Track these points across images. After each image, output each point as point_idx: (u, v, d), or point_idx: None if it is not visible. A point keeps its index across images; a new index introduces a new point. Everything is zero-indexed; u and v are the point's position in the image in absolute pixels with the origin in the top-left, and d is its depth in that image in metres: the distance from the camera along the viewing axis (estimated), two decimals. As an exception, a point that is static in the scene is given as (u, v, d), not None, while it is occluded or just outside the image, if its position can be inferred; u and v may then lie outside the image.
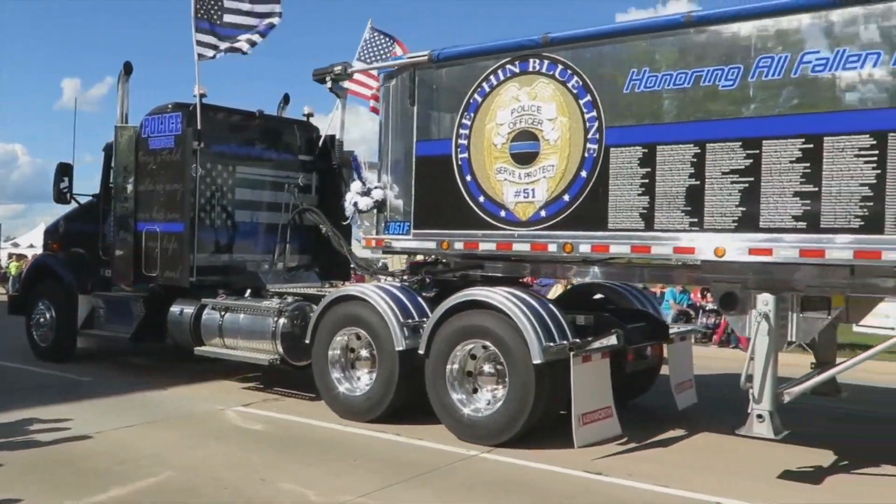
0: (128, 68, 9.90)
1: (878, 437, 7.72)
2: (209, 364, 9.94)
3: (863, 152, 5.58)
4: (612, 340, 7.21)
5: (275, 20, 9.72)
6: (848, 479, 6.30)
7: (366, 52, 10.80)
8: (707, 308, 15.24)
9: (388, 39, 10.59)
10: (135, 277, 9.95)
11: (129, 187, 9.96)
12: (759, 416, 6.15)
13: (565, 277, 8.98)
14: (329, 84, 8.41)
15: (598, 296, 8.99)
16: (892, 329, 12.07)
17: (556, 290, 12.92)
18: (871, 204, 5.56)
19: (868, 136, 5.56)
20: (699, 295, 15.52)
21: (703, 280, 6.98)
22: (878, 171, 5.53)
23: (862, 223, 5.60)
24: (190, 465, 6.29)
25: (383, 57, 10.06)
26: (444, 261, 8.28)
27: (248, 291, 9.55)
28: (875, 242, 5.56)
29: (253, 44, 9.54)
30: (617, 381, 7.48)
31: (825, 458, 6.80)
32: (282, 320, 8.79)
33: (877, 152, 5.53)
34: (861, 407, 8.77)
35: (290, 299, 9.13)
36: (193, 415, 8.10)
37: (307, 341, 8.34)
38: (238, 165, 10.06)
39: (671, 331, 8.34)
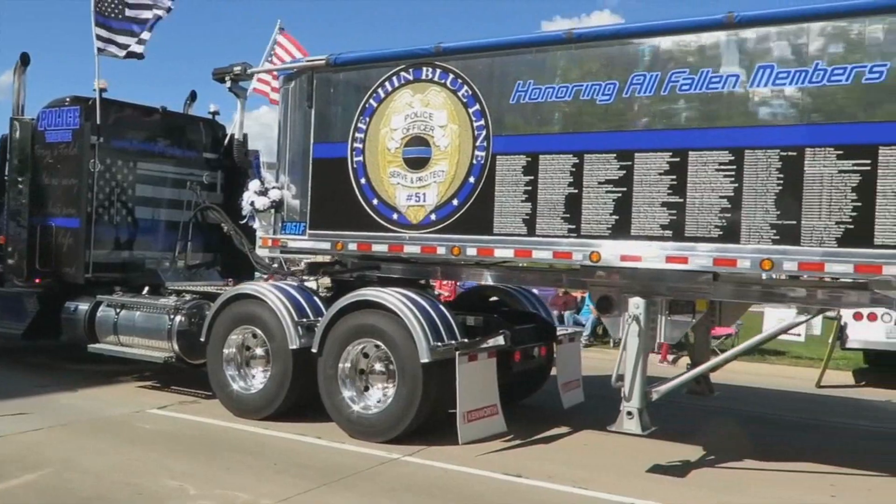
0: (24, 59, 9.71)
1: (746, 434, 8.21)
2: (119, 364, 9.72)
3: (722, 167, 5.99)
4: (499, 341, 7.49)
5: (161, 13, 9.68)
6: (715, 472, 6.71)
7: (274, 53, 10.90)
8: None
9: (291, 42, 10.71)
10: (28, 273, 9.76)
11: (25, 181, 9.77)
12: (629, 413, 6.52)
13: (467, 279, 9.27)
14: (228, 84, 8.46)
15: (493, 298, 9.31)
16: (799, 335, 12.69)
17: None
18: (729, 215, 5.97)
19: (727, 151, 5.98)
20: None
21: (583, 284, 7.31)
22: (736, 185, 5.95)
23: (721, 233, 6.01)
24: (106, 471, 6.09)
25: (289, 58, 10.16)
26: (342, 261, 8.43)
27: (147, 289, 9.49)
28: (732, 251, 5.97)
29: (143, 42, 9.56)
30: (506, 380, 7.79)
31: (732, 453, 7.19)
32: (178, 318, 8.78)
33: (735, 167, 5.95)
34: (731, 405, 9.30)
35: (187, 297, 9.13)
36: (108, 418, 7.88)
37: (202, 339, 8.36)
38: (139, 161, 9.99)
39: (559, 332, 8.67)
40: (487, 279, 8.13)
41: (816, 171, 5.68)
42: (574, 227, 6.56)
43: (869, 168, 5.51)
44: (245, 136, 9.94)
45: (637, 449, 7.10)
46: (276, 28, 11.14)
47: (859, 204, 5.54)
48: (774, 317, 12.53)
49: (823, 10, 5.71)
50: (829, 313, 8.99)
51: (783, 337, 12.96)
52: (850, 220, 5.57)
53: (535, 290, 9.51)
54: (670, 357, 13.02)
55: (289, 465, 6.44)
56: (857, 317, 11.34)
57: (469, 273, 8.27)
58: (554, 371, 8.83)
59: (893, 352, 11.36)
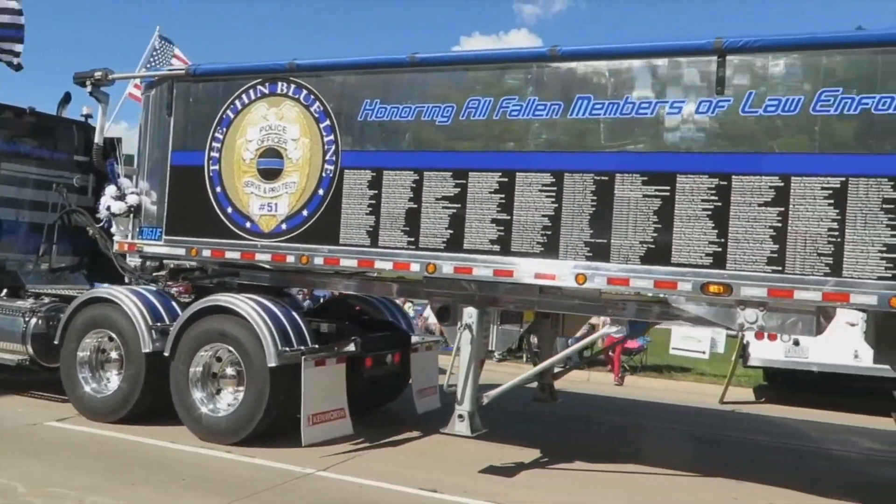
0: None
1: (581, 438, 8.77)
2: (7, 372, 9.29)
3: (545, 188, 6.49)
4: (349, 347, 7.81)
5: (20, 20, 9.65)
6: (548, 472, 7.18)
7: (154, 59, 10.95)
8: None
9: (171, 47, 10.80)
10: None
11: None
12: (460, 416, 6.92)
13: (327, 289, 9.55)
14: (89, 89, 8.51)
15: (358, 307, 9.60)
16: (704, 353, 13.33)
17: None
18: (550, 233, 6.47)
19: (549, 174, 6.48)
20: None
21: (427, 294, 7.68)
22: (556, 205, 6.45)
23: (542, 249, 6.49)
24: (2, 488, 5.76)
25: (168, 64, 10.25)
26: (203, 268, 8.59)
27: (5, 291, 9.39)
28: (552, 266, 6.46)
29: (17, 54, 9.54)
30: (358, 385, 8.11)
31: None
32: (33, 321, 8.74)
33: (555, 188, 6.45)
34: (641, 421, 9.90)
35: (46, 300, 9.09)
36: (3, 430, 7.55)
37: (56, 342, 8.37)
38: (3, 162, 9.86)
39: (414, 340, 9.04)
40: (348, 289, 8.44)
41: (624, 195, 6.23)
42: (413, 239, 6.94)
43: (668, 193, 6.09)
44: (117, 140, 9.94)
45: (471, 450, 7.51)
46: (155, 35, 11.19)
47: (659, 225, 6.11)
48: (680, 333, 13.28)
49: (637, 49, 6.29)
50: (731, 332, 9.28)
51: (689, 354, 13.68)
52: (652, 239, 6.13)
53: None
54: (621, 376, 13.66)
55: (197, 480, 6.27)
56: (759, 336, 11.99)
57: (329, 283, 8.55)
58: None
59: (791, 370, 11.94)
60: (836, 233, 5.62)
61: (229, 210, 7.71)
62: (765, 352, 11.76)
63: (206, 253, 7.84)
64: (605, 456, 7.66)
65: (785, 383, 12.71)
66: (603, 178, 6.31)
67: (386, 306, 9.40)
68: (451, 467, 7.04)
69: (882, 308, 5.55)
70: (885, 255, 5.50)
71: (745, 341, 11.81)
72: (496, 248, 6.64)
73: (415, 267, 6.94)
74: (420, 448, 7.85)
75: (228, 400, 7.66)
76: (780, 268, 5.77)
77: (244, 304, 7.53)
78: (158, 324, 7.93)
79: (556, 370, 8.97)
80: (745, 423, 10.29)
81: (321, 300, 14.76)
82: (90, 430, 7.72)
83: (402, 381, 9.36)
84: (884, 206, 5.51)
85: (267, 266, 7.88)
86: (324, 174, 7.30)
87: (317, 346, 7.59)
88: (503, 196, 6.62)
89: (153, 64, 11.05)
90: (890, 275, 5.48)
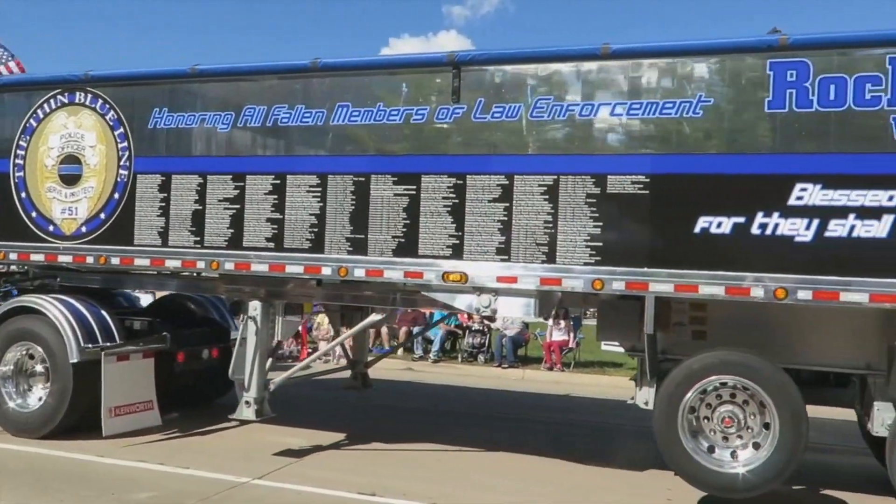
0: None
1: (394, 424, 9.34)
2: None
3: (311, 189, 7.06)
4: (158, 342, 8.25)
5: None
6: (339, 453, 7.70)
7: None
8: (473, 328, 16.01)
9: (8, 55, 11.02)
10: None
11: None
12: (247, 403, 7.44)
13: (158, 288, 9.92)
14: None
15: (191, 305, 10.01)
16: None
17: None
18: (317, 230, 7.04)
19: (315, 176, 7.05)
20: (466, 316, 16.07)
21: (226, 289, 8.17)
22: (322, 204, 7.02)
23: (311, 245, 7.06)
24: None
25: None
26: (24, 271, 8.93)
27: None
28: (319, 260, 7.03)
29: None
30: (172, 379, 8.55)
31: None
32: None
33: (321, 189, 7.03)
34: (384, 401, 10.31)
35: None
36: None
37: None
38: None
39: (233, 336, 9.49)
40: (176, 288, 8.86)
41: (378, 194, 6.84)
42: (199, 239, 7.43)
43: (415, 192, 6.72)
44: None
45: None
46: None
47: (408, 221, 6.74)
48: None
49: (384, 62, 6.93)
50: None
51: (621, 349, 13.83)
52: (402, 234, 6.76)
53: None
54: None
55: (129, 494, 6.11)
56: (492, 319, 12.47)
57: (159, 283, 8.92)
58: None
59: None
60: (551, 225, 6.33)
61: (34, 214, 8.08)
62: None
63: (13, 256, 8.19)
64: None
65: None
66: (360, 179, 6.91)
67: (213, 304, 9.83)
68: (389, 470, 7.04)
69: (587, 290, 6.27)
70: (589, 243, 6.22)
71: None
72: (271, 245, 7.18)
73: (200, 264, 7.44)
74: (357, 452, 7.76)
75: (39, 395, 8.00)
76: (506, 257, 6.46)
77: (49, 304, 7.91)
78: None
79: (369, 359, 9.56)
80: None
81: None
82: (13, 447, 7.48)
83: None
84: (587, 200, 6.23)
85: (70, 267, 8.24)
86: (119, 179, 7.74)
87: (121, 342, 8.00)
88: (276, 197, 7.17)
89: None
90: (593, 261, 6.21)
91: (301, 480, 6.59)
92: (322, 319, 14.83)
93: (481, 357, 15.63)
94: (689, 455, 6.02)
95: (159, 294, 10.33)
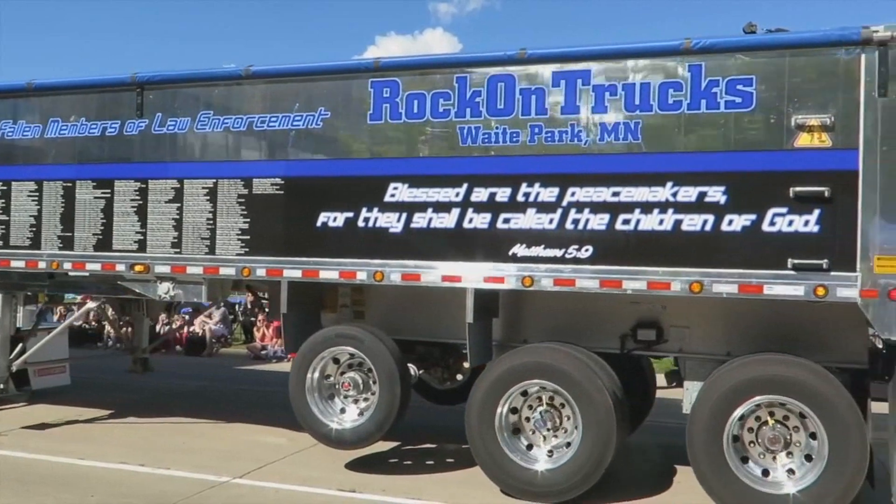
0: None
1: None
2: None
3: (31, 193, 8.11)
4: None
5: None
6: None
7: None
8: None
9: None
10: None
11: None
12: (-10, 382, 8.47)
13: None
14: None
15: None
16: None
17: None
18: (35, 229, 8.09)
19: (33, 182, 8.10)
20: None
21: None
22: (38, 207, 8.06)
23: (30, 242, 8.11)
24: None
25: None
26: None
27: None
28: (34, 256, 8.07)
29: None
30: None
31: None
32: None
33: (38, 194, 8.07)
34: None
35: None
36: None
37: None
38: None
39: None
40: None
41: (82, 197, 7.89)
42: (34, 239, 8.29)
43: (110, 195, 7.78)
44: None
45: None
46: None
47: (105, 220, 7.79)
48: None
49: (80, 84, 7.98)
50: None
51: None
52: (101, 231, 7.81)
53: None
54: None
55: (110, 496, 6.16)
56: None
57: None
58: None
59: None
60: (212, 222, 7.38)
61: None
62: None
63: None
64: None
65: None
66: (68, 184, 7.96)
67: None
68: (369, 467, 7.16)
69: (239, 277, 7.34)
70: (240, 237, 7.28)
71: None
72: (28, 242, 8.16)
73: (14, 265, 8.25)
74: (336, 451, 7.20)
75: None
76: (178, 250, 7.51)
77: None
78: None
79: (145, 346, 10.63)
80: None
81: (236, 306, 17.06)
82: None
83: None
84: (238, 200, 7.29)
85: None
86: None
87: None
88: (3, 201, 8.22)
89: None
90: (243, 252, 7.26)
91: (281, 479, 6.70)
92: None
93: None
94: (315, 416, 7.04)
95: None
